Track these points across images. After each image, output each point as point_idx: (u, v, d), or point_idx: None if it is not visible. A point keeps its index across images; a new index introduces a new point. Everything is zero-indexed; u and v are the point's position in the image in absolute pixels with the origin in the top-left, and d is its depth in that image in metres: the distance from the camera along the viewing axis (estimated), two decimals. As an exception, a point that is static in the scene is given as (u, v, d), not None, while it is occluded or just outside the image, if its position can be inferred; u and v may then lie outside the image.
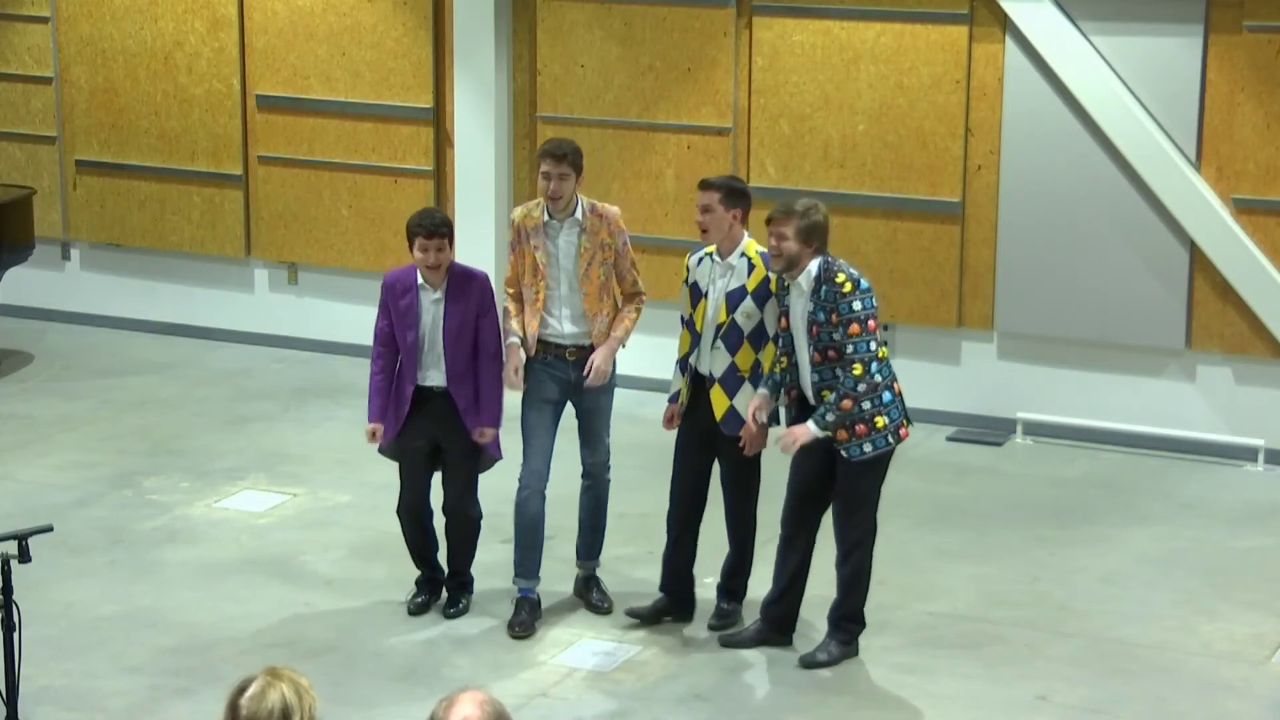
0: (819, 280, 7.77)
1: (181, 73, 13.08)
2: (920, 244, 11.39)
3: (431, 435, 8.41)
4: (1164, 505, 10.21)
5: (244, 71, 12.93)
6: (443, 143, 12.55)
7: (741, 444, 8.14)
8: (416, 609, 8.60)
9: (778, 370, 8.04)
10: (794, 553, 8.13)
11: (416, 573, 8.68)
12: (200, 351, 13.06)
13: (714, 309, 8.18)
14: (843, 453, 7.83)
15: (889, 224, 11.45)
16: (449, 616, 8.55)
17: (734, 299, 8.14)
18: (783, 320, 8.00)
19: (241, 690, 4.40)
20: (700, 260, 8.29)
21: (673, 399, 8.41)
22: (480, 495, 8.57)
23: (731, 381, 8.17)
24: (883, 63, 11.33)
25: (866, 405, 7.75)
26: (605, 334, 8.42)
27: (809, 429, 7.79)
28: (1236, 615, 8.67)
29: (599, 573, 8.76)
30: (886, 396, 7.81)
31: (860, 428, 7.78)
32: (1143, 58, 10.78)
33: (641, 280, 8.59)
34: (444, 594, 8.65)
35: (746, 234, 8.25)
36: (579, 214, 8.39)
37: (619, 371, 8.64)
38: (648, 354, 10.82)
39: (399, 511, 8.60)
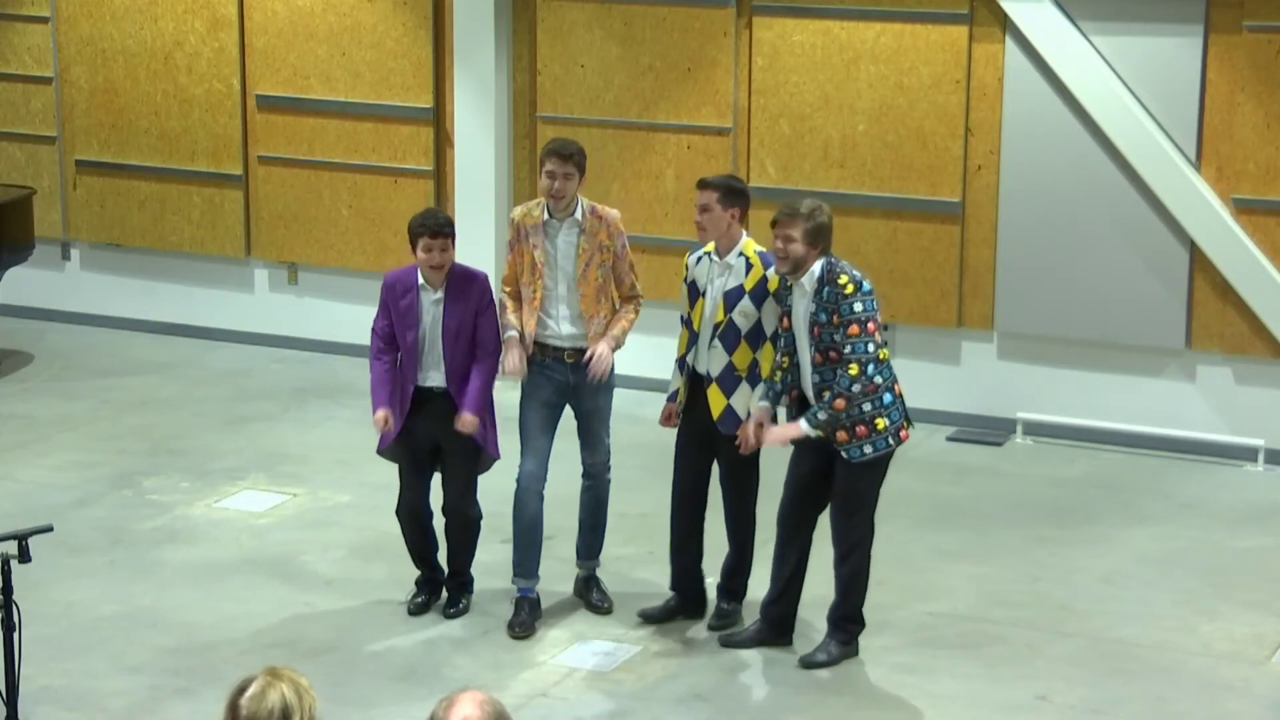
0: (822, 281, 7.77)
1: (181, 73, 13.08)
2: (920, 244, 11.40)
3: (431, 436, 8.41)
4: (1164, 505, 10.21)
5: (244, 71, 12.93)
6: (443, 143, 12.55)
7: (738, 443, 8.14)
8: (416, 609, 8.61)
9: (778, 376, 8.03)
10: (791, 553, 8.13)
11: (416, 573, 8.68)
12: (200, 351, 13.06)
13: (711, 308, 8.19)
14: (843, 454, 7.82)
15: (889, 224, 11.45)
16: (449, 616, 8.55)
17: (731, 298, 8.14)
18: (785, 321, 8.00)
19: (241, 690, 4.40)
20: (699, 259, 8.30)
21: (671, 398, 8.42)
22: (480, 495, 8.56)
23: (728, 381, 8.17)
24: (883, 63, 11.33)
25: (867, 407, 7.75)
26: (602, 335, 8.42)
27: (800, 426, 7.79)
28: (1236, 615, 8.67)
29: (599, 573, 8.77)
30: (887, 398, 7.81)
31: (861, 429, 7.78)
32: (1143, 58, 10.78)
33: (639, 284, 8.59)
34: (444, 594, 8.65)
35: (745, 233, 8.25)
36: (579, 215, 8.39)
37: (618, 372, 8.64)
38: (647, 354, 10.83)
39: (398, 512, 8.60)
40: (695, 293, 8.26)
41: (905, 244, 11.42)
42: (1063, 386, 11.26)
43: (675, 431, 8.45)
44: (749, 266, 8.14)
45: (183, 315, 13.45)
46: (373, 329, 8.46)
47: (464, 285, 8.34)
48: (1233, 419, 10.91)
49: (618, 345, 8.47)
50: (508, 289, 8.54)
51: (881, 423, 7.80)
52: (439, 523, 8.61)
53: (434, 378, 8.35)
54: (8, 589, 6.48)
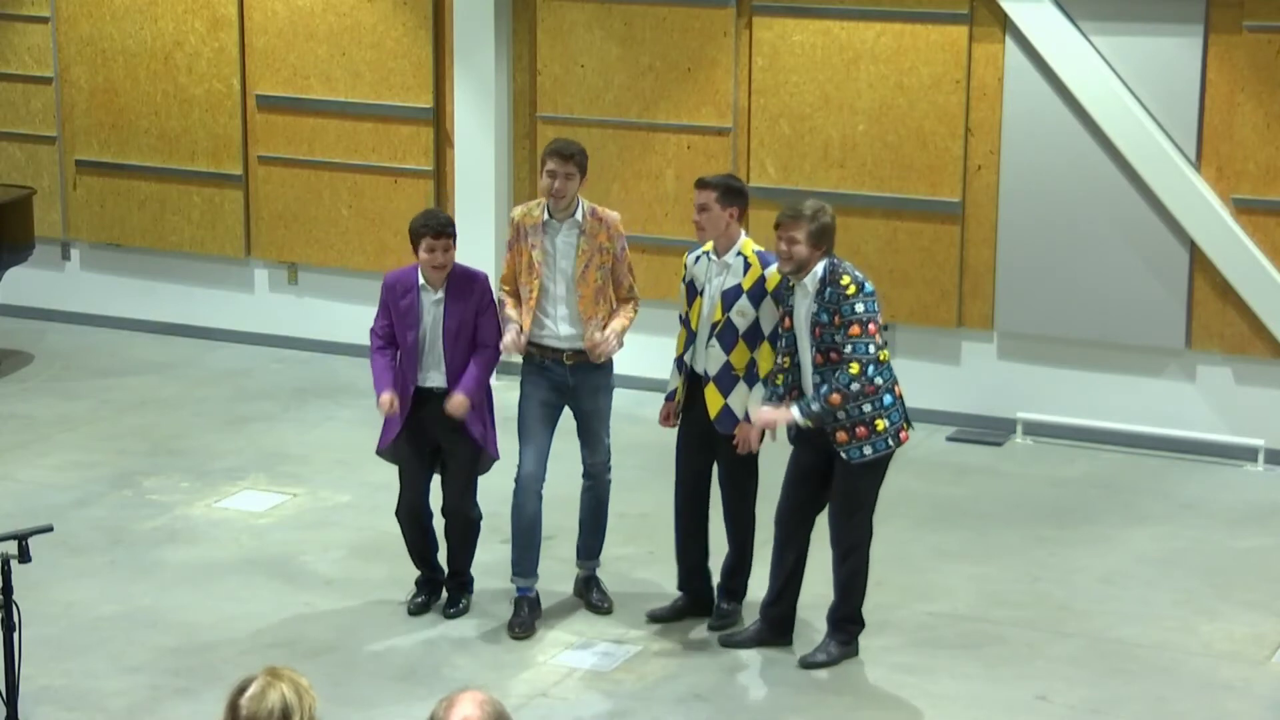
0: (824, 282, 7.77)
1: (181, 73, 13.08)
2: (920, 244, 11.40)
3: (432, 436, 8.41)
4: (1164, 505, 10.21)
5: (244, 71, 12.93)
6: (443, 143, 12.55)
7: (736, 443, 8.14)
8: (416, 609, 8.60)
9: (779, 379, 8.03)
10: (790, 553, 8.13)
11: (416, 573, 8.68)
12: (200, 351, 13.06)
13: (709, 307, 8.19)
14: (842, 455, 7.82)
15: (889, 224, 11.45)
16: (449, 616, 8.55)
17: (729, 298, 8.14)
18: (786, 321, 8.00)
19: (241, 690, 4.40)
20: (698, 258, 8.30)
21: (669, 397, 8.42)
22: (480, 495, 8.56)
23: (726, 380, 8.17)
24: (883, 63, 11.33)
25: (867, 408, 7.75)
26: (602, 329, 8.41)
27: (791, 412, 7.79)
28: (1236, 615, 8.67)
29: (599, 573, 8.77)
30: (887, 400, 7.81)
31: (861, 430, 7.78)
32: (1143, 58, 10.78)
33: (637, 286, 8.59)
34: (444, 594, 8.65)
35: (744, 233, 8.25)
36: (579, 215, 8.38)
37: (617, 371, 8.64)
38: (647, 354, 10.83)
39: (398, 513, 8.60)
40: (693, 292, 8.26)
41: (905, 244, 11.42)
42: (1063, 386, 11.26)
43: (675, 431, 8.45)
44: (747, 266, 8.14)
45: (183, 315, 13.45)
46: (372, 330, 8.46)
47: (464, 285, 8.34)
48: (1233, 419, 10.92)
49: (617, 339, 8.46)
50: (506, 288, 8.54)
51: (881, 424, 7.80)
52: (439, 523, 8.61)
53: (434, 378, 8.35)
54: (8, 589, 6.48)
